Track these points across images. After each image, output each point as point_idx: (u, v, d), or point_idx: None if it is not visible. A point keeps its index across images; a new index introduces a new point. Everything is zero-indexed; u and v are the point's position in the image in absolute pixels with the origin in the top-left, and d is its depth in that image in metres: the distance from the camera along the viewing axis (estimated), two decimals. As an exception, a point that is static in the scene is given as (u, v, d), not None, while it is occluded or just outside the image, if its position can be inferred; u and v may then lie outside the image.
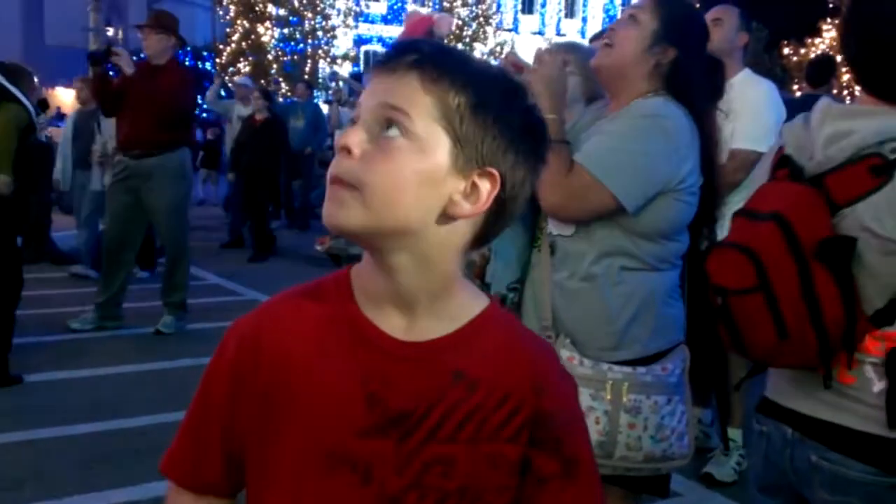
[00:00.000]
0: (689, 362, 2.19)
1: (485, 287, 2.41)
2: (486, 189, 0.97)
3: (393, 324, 1.02)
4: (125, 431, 4.18)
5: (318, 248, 5.80)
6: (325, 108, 15.63)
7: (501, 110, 0.97)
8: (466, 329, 1.02)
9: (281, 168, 9.70)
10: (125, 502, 3.41)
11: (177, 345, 5.82)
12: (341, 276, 1.06)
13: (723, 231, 3.11)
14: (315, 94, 24.44)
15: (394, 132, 0.95)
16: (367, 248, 1.01)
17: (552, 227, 2.28)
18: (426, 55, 0.97)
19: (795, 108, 4.15)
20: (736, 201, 3.57)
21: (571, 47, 2.84)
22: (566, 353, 2.10)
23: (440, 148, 0.96)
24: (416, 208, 0.96)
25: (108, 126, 7.15)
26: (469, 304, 1.04)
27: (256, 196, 9.23)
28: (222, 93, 12.73)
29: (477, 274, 2.47)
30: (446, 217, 0.97)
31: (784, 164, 1.69)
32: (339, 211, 0.95)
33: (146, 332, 6.03)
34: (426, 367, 1.00)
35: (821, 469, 1.64)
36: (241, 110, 10.34)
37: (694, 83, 2.15)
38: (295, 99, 12.83)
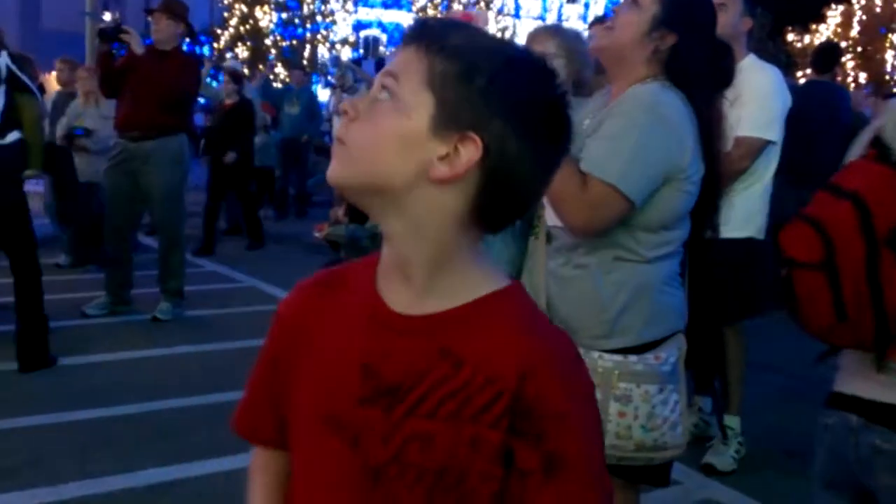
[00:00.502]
0: (685, 351, 2.17)
1: None
2: (467, 155, 0.98)
3: (397, 297, 1.04)
4: (122, 418, 4.16)
5: (317, 234, 5.79)
6: (324, 94, 15.58)
7: (495, 82, 0.98)
8: (467, 307, 1.02)
9: (252, 153, 9.50)
10: (123, 489, 3.40)
11: (174, 332, 5.80)
12: (378, 253, 1.10)
13: (727, 221, 3.12)
14: (314, 80, 24.37)
15: (383, 95, 1.00)
16: (363, 208, 1.05)
17: (549, 218, 2.26)
18: (428, 27, 1.03)
19: (800, 94, 4.14)
20: (741, 188, 3.59)
21: (555, 30, 2.81)
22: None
23: (422, 111, 0.98)
24: (395, 167, 0.98)
25: (74, 107, 7.25)
26: (477, 284, 1.04)
27: (233, 182, 9.03)
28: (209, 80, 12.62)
29: None
30: (429, 181, 0.99)
31: (877, 143, 1.68)
32: (331, 165, 1.02)
33: (144, 319, 6.01)
34: (419, 341, 1.02)
35: (883, 452, 1.63)
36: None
37: (693, 69, 2.11)
38: (292, 85, 12.69)
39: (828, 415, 1.81)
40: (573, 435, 0.99)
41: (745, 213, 3.59)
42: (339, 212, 6.62)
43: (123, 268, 6.19)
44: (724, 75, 2.22)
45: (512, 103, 0.98)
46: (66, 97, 8.04)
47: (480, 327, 1.01)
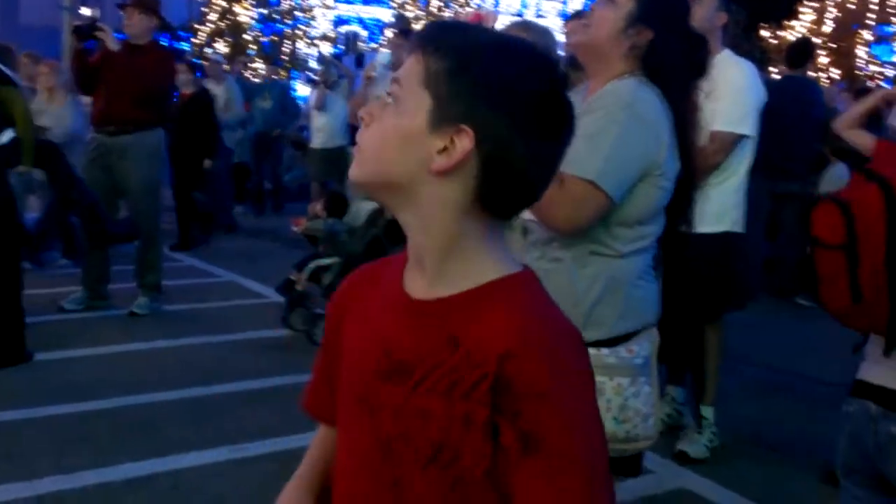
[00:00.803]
0: (657, 344, 2.18)
1: None
2: (462, 146, 1.04)
3: (415, 284, 1.13)
4: (99, 413, 4.14)
5: (295, 229, 5.74)
6: (306, 90, 15.51)
7: (484, 74, 1.04)
8: (471, 293, 1.08)
9: (213, 144, 9.14)
10: (98, 483, 3.38)
11: (152, 326, 5.77)
12: None
13: (702, 215, 3.14)
14: (294, 75, 24.26)
15: (389, 99, 1.09)
16: (383, 204, 1.17)
17: (525, 213, 2.28)
18: (427, 32, 1.11)
19: (774, 90, 4.18)
20: (717, 183, 3.62)
21: (524, 26, 2.82)
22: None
23: (421, 109, 1.06)
24: (400, 164, 1.07)
25: (38, 104, 7.12)
26: (484, 271, 1.09)
27: (186, 174, 8.82)
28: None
29: None
30: (431, 174, 1.05)
31: None
32: (351, 167, 1.12)
33: (121, 314, 5.98)
34: (429, 324, 1.09)
35: None
36: (211, 88, 9.99)
37: (669, 64, 2.13)
38: (275, 79, 12.63)
39: (849, 402, 1.84)
40: (553, 415, 1.01)
41: (720, 207, 3.62)
42: (318, 206, 6.58)
43: (100, 263, 6.15)
44: (699, 67, 2.23)
45: (501, 93, 1.04)
46: (28, 92, 7.95)
47: (480, 311, 1.07)
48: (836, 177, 7.08)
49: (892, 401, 1.70)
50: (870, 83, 16.81)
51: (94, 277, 6.13)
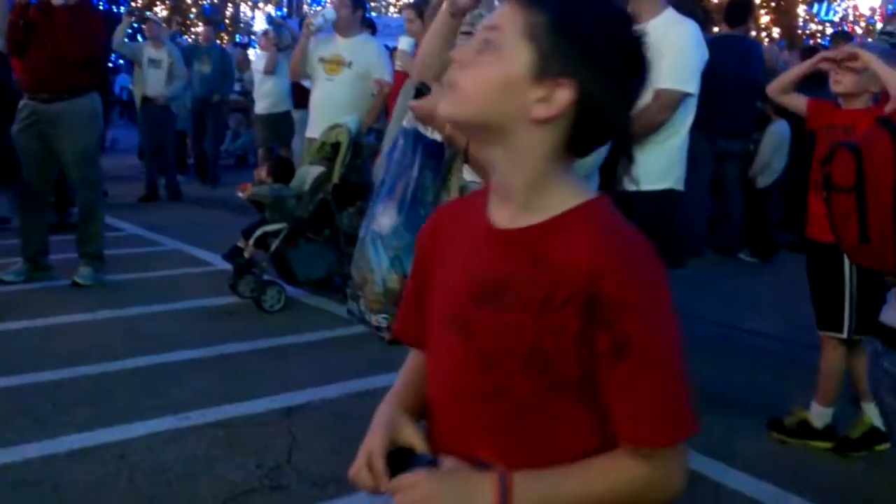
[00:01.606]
0: None
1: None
2: (562, 97, 1.12)
3: (500, 215, 1.22)
4: (41, 385, 4.06)
5: (240, 195, 5.65)
6: (250, 53, 15.21)
7: (584, 29, 1.14)
8: (556, 219, 1.17)
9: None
10: (41, 456, 3.32)
11: (95, 297, 5.66)
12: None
13: (645, 173, 3.16)
14: (238, 39, 23.78)
15: (486, 46, 1.16)
16: (472, 140, 1.30)
17: (466, 175, 2.28)
18: None
19: (713, 48, 4.19)
20: (660, 140, 3.63)
21: None
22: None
23: (521, 59, 1.13)
24: (498, 108, 1.15)
25: None
26: (566, 199, 1.18)
27: None
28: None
29: (394, 300, 2.44)
30: (526, 120, 1.14)
31: None
32: (442, 105, 1.21)
33: (63, 285, 5.86)
34: (515, 250, 1.18)
35: (889, 374, 1.75)
36: (151, 52, 9.75)
37: None
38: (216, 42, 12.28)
39: (867, 342, 1.99)
40: (641, 323, 1.12)
41: (664, 164, 3.64)
42: (263, 172, 6.51)
43: (39, 233, 6.02)
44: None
45: (601, 47, 1.13)
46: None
47: (566, 234, 1.16)
48: (777, 134, 7.17)
49: (892, 338, 1.81)
50: (809, 42, 17.02)
51: (34, 248, 5.99)
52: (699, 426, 1.15)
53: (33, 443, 3.42)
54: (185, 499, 3.04)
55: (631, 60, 1.16)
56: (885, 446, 3.50)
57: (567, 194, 1.20)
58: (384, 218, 2.42)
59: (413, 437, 1.25)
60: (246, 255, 5.48)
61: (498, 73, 1.14)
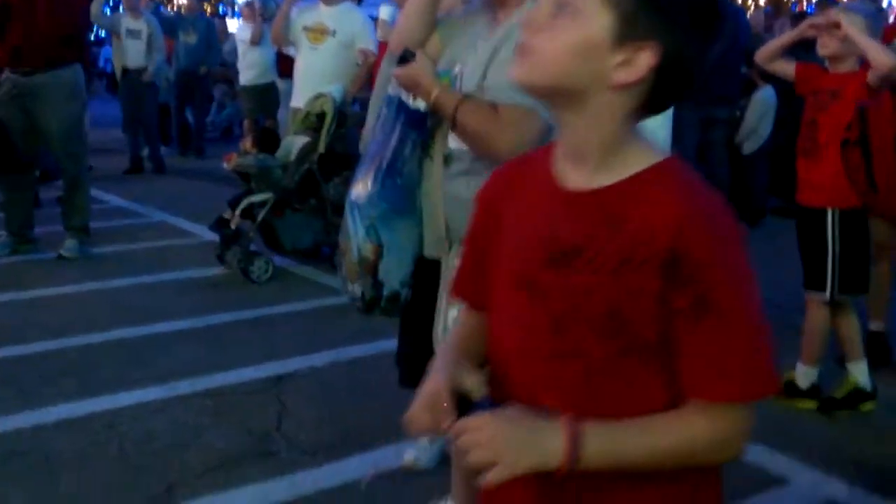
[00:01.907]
0: None
1: (377, 284, 2.40)
2: (644, 62, 1.11)
3: (572, 176, 1.20)
4: (28, 357, 4.06)
5: (226, 165, 5.62)
6: (233, 25, 15.05)
7: None
8: (631, 180, 1.16)
9: None
10: (30, 426, 3.33)
11: (81, 269, 5.64)
12: (554, 141, 1.25)
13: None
14: (221, 10, 23.56)
15: (562, 10, 1.12)
16: (547, 103, 1.22)
17: (452, 143, 2.27)
18: None
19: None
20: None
21: None
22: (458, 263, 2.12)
23: (601, 23, 1.11)
24: (576, 73, 1.13)
25: None
26: (639, 160, 1.17)
27: None
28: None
29: (368, 270, 2.42)
30: (605, 84, 1.12)
31: None
32: (516, 69, 1.17)
33: (49, 258, 5.83)
34: (591, 212, 1.17)
35: None
36: (129, 23, 9.58)
37: None
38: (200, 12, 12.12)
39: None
40: (721, 279, 1.12)
41: (649, 134, 3.63)
42: (248, 142, 6.47)
43: (24, 206, 5.98)
44: None
45: (682, 8, 1.11)
46: None
47: (643, 194, 1.14)
48: (763, 100, 7.17)
49: None
50: (795, 8, 16.97)
51: (19, 222, 5.97)
52: (779, 385, 1.16)
53: (20, 413, 3.42)
54: (174, 467, 3.04)
55: (710, 16, 1.14)
56: (869, 406, 3.54)
57: (642, 154, 1.18)
58: (360, 186, 2.40)
59: (476, 382, 1.23)
60: (232, 225, 5.46)
61: (577, 38, 1.11)
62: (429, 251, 2.40)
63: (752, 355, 1.13)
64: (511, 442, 1.12)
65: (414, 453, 2.98)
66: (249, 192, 5.51)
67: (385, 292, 2.43)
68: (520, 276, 1.23)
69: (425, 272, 2.41)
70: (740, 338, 1.13)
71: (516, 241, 1.26)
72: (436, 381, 1.23)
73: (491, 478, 1.11)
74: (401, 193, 2.37)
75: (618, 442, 1.14)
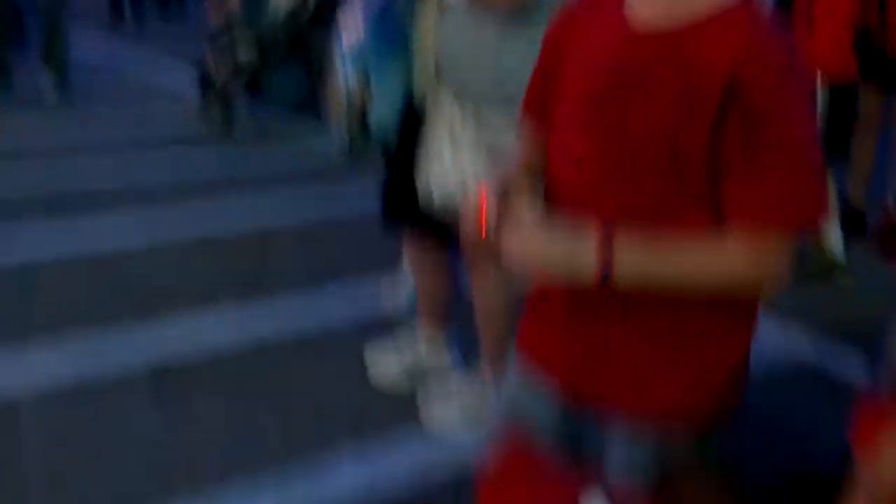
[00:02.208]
0: None
1: (365, 129, 2.37)
2: None
3: (642, 13, 1.22)
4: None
5: (212, 19, 5.49)
6: None
7: None
8: (702, 17, 1.17)
9: None
10: (19, 261, 3.37)
11: (61, 125, 5.57)
12: None
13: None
14: None
15: None
16: None
17: None
18: None
19: None
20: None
21: None
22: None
23: None
24: None
25: None
26: (712, 2, 1.18)
27: None
28: None
29: (357, 116, 2.39)
30: None
31: None
32: None
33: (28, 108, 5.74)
34: (656, 47, 1.19)
35: None
36: None
37: None
38: None
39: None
40: (776, 116, 1.13)
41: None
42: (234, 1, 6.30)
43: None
44: None
45: None
46: None
47: (709, 31, 1.16)
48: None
49: None
50: None
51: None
52: (826, 217, 1.16)
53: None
54: (163, 300, 3.11)
55: None
56: (844, 278, 3.59)
57: None
58: (351, 33, 2.37)
59: (529, 192, 1.29)
60: (216, 80, 5.37)
61: None
62: (418, 90, 2.39)
63: (799, 187, 1.14)
64: (547, 244, 1.20)
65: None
66: (233, 41, 5.37)
67: (372, 137, 2.43)
68: (581, 109, 1.26)
69: (412, 118, 2.41)
70: (790, 169, 1.14)
71: (581, 73, 1.28)
72: (491, 182, 1.30)
73: (523, 271, 1.21)
74: (392, 38, 2.35)
75: (651, 252, 1.18)
